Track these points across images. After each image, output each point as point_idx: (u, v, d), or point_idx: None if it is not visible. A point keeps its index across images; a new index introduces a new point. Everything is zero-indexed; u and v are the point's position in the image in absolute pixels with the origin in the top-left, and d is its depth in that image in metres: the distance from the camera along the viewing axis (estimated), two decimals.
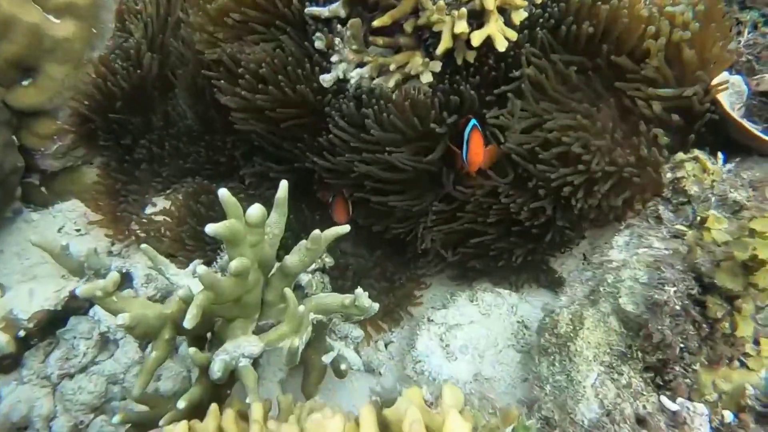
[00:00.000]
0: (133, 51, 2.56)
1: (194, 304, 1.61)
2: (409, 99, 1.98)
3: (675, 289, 1.57)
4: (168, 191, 2.70)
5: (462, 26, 1.77)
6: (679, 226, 1.80)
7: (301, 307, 1.82)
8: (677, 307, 1.57)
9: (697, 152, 1.84)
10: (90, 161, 2.83)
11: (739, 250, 1.47)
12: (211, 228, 1.59)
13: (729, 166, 2.10)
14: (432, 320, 2.36)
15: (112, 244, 2.67)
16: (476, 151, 1.97)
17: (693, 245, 1.58)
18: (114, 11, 2.70)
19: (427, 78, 1.94)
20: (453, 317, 2.33)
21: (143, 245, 1.92)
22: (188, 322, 1.58)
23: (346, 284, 2.41)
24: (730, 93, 2.22)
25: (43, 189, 2.86)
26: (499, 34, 1.79)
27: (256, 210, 1.68)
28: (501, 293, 2.40)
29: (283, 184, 1.80)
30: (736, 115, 2.11)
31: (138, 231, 2.59)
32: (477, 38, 1.79)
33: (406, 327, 2.63)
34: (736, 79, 2.23)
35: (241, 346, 1.75)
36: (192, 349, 1.72)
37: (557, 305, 2.01)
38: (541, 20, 1.99)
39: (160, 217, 2.58)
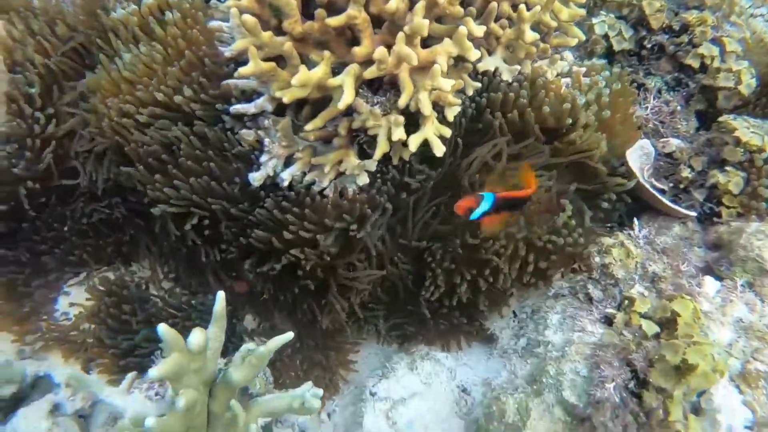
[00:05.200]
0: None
1: None
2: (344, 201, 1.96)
3: (614, 384, 1.68)
4: (81, 277, 2.49)
5: (400, 133, 1.76)
6: (609, 310, 1.91)
7: (253, 426, 1.77)
8: (617, 400, 1.68)
9: (621, 237, 1.96)
10: None
11: (671, 355, 1.59)
12: (156, 373, 1.51)
13: (644, 232, 2.26)
14: (375, 394, 2.38)
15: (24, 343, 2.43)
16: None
17: (627, 341, 1.69)
18: None
19: (363, 180, 1.92)
20: (396, 390, 2.36)
21: (71, 375, 1.78)
22: None
23: (284, 372, 2.37)
24: (641, 155, 2.38)
25: None
26: (436, 139, 1.79)
27: (197, 338, 1.61)
28: (438, 359, 2.45)
29: (220, 296, 1.73)
30: (645, 182, 2.26)
31: (52, 329, 2.38)
32: (414, 143, 1.78)
33: (346, 393, 2.63)
34: (645, 143, 2.40)
35: None
36: None
37: (497, 382, 2.09)
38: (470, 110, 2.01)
39: (75, 310, 2.39)
